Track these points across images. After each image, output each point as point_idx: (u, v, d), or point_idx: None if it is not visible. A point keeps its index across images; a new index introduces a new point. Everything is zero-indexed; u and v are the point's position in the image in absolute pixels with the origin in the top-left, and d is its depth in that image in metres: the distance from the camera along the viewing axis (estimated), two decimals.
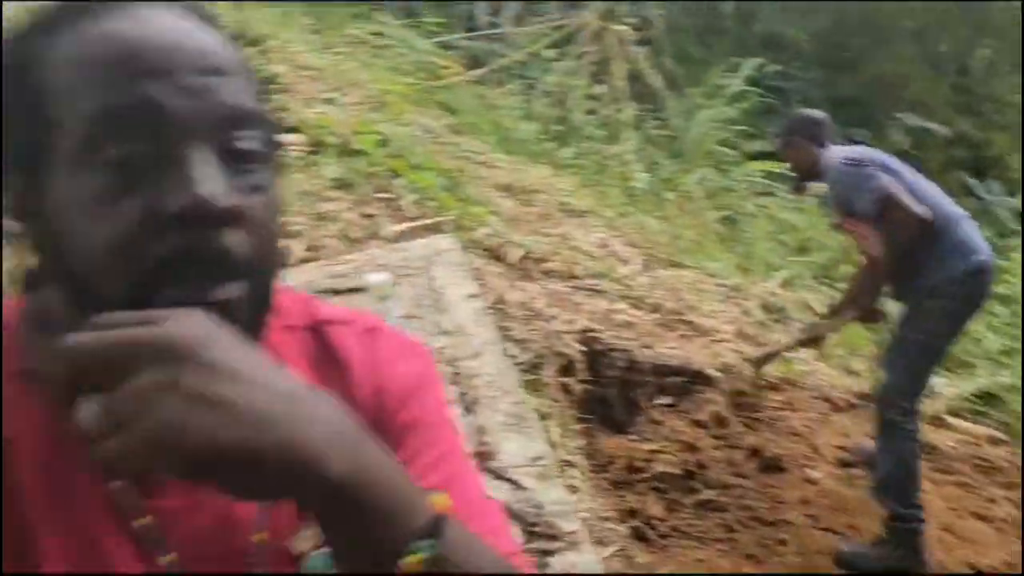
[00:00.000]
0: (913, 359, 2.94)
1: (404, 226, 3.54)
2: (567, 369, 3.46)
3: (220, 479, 0.49)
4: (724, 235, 6.15)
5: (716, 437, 3.42)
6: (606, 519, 2.81)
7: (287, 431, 0.49)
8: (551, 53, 7.32)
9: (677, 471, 3.20)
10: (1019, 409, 4.24)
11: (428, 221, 3.66)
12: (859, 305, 3.22)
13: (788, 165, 3.47)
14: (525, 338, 3.40)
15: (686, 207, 6.11)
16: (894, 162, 3.11)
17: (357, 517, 0.52)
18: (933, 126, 9.30)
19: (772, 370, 3.85)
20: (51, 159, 0.59)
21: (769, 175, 7.12)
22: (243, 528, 0.68)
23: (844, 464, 3.42)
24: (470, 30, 7.78)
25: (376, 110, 4.50)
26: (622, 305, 3.92)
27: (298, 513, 0.69)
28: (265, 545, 0.68)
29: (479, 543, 0.58)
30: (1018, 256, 5.95)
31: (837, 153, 3.16)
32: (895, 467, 2.89)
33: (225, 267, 0.59)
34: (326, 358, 0.75)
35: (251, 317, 0.61)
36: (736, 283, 5.10)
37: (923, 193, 3.02)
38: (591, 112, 6.89)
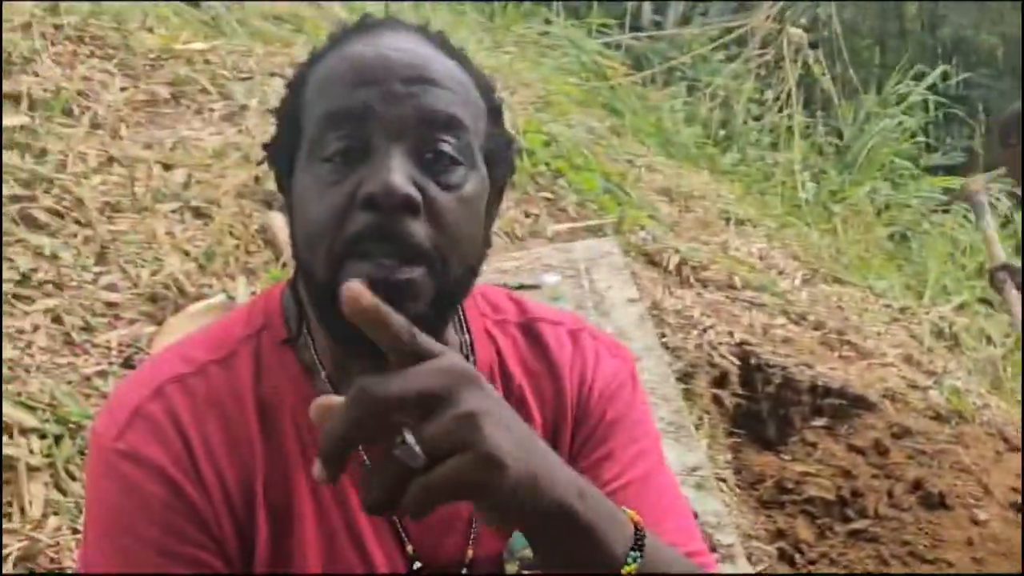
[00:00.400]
0: None
1: (565, 226, 3.59)
2: (720, 381, 3.40)
3: (510, 505, 0.53)
4: (894, 253, 5.84)
5: (875, 465, 3.27)
6: (753, 537, 2.76)
7: (533, 467, 0.54)
8: (719, 55, 7.16)
9: (830, 496, 3.09)
10: None
11: (589, 223, 3.70)
12: None
13: (1002, 171, 3.13)
14: (679, 346, 3.37)
15: (854, 221, 5.84)
16: None
17: (578, 537, 0.58)
18: None
19: (942, 400, 3.64)
20: (297, 157, 0.73)
21: (948, 191, 6.69)
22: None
23: (1016, 507, 3.19)
24: (634, 30, 7.73)
25: (542, 110, 4.57)
26: (781, 320, 3.81)
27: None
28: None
29: (667, 549, 0.64)
30: None
31: None
32: None
33: (405, 251, 0.67)
34: (536, 354, 0.83)
35: (435, 303, 0.69)
36: (905, 305, 4.83)
37: None
38: (757, 118, 6.70)
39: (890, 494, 3.15)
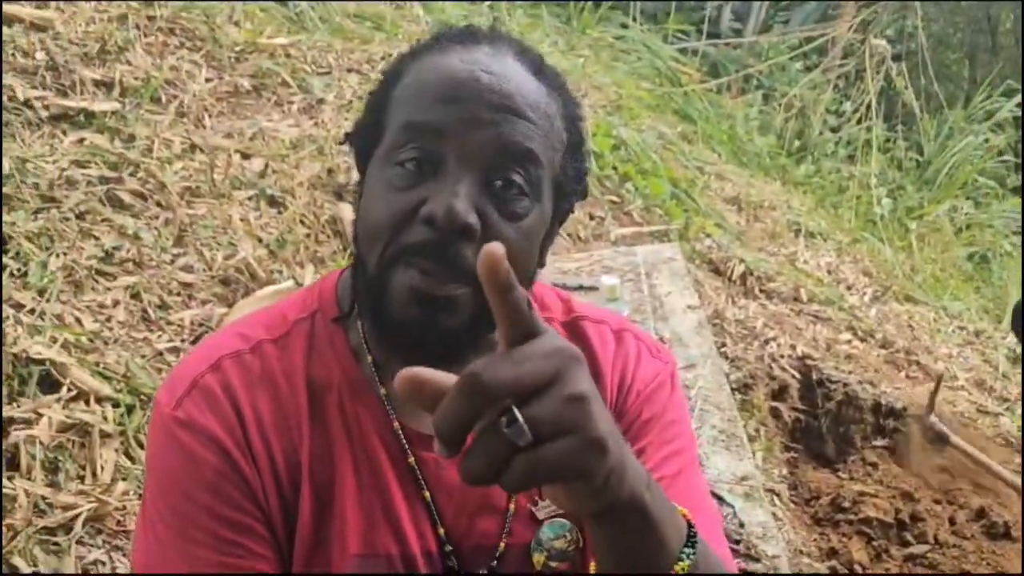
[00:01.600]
0: None
1: (630, 230, 3.58)
2: (779, 394, 3.35)
3: (595, 490, 0.54)
4: (972, 274, 5.64)
5: (937, 490, 3.18)
6: (805, 554, 2.72)
7: (620, 454, 0.55)
8: (798, 64, 7.03)
9: (888, 519, 3.01)
10: None
11: (654, 228, 3.68)
12: None
13: None
14: (739, 356, 3.33)
15: (931, 239, 5.67)
16: None
17: (643, 529, 0.58)
18: None
19: (1013, 428, 3.51)
20: (375, 152, 0.75)
21: None
22: (499, 489, 0.77)
23: None
24: (712, 36, 7.64)
25: (613, 113, 4.57)
26: (847, 335, 3.73)
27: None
28: (517, 508, 0.77)
29: (712, 551, 0.64)
30: None
31: None
32: None
33: (454, 271, 0.69)
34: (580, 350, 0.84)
35: (473, 319, 0.72)
36: (980, 328, 4.68)
37: None
38: (834, 129, 6.55)
39: (952, 521, 3.06)
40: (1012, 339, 4.73)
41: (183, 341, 2.37)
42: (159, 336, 2.34)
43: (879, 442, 3.34)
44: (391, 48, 4.11)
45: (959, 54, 10.19)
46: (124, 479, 1.90)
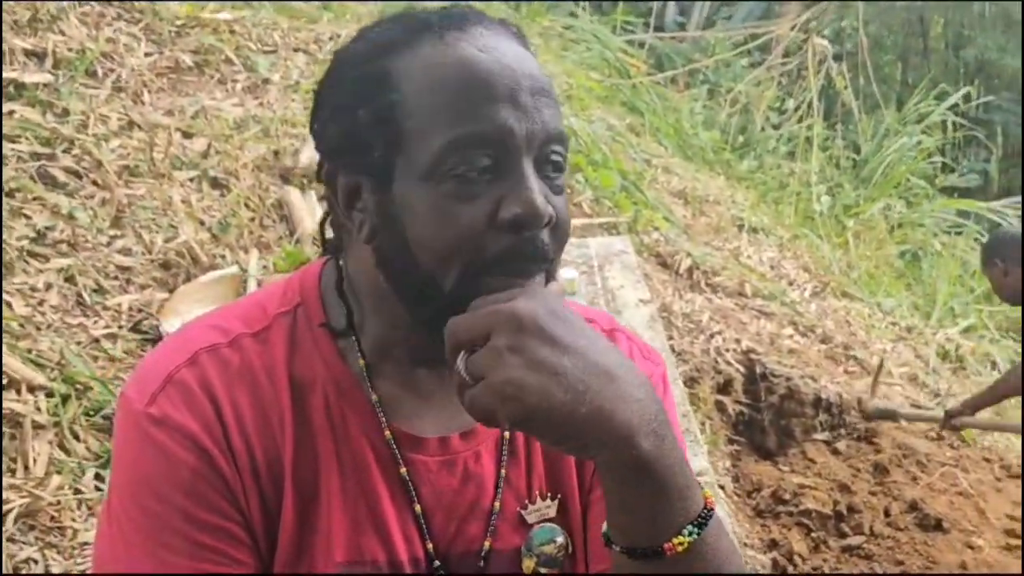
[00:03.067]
0: None
1: (581, 222, 3.58)
2: (724, 387, 3.40)
3: (542, 433, 0.60)
4: (904, 272, 5.82)
5: (874, 483, 3.27)
6: (748, 545, 2.76)
7: (600, 405, 0.59)
8: (742, 61, 7.14)
9: (827, 511, 3.08)
10: None
11: (604, 220, 3.69)
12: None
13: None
14: (685, 350, 3.37)
15: (866, 236, 5.83)
16: None
17: (651, 492, 0.60)
18: None
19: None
20: (404, 171, 0.68)
21: (961, 213, 6.68)
22: (486, 492, 0.75)
23: (1013, 534, 3.19)
24: (657, 29, 7.69)
25: (564, 103, 4.55)
26: (789, 330, 3.81)
27: (537, 486, 0.78)
28: (502, 510, 0.74)
29: (728, 540, 0.64)
30: None
31: None
32: None
33: (539, 261, 0.69)
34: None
35: None
36: (912, 324, 4.83)
37: None
38: (776, 126, 6.68)
39: (887, 512, 3.15)
40: (942, 335, 4.90)
41: (120, 327, 2.27)
42: (95, 322, 2.24)
43: (819, 436, 3.41)
44: (339, 28, 4.01)
45: (892, 56, 10.49)
46: (59, 472, 1.80)
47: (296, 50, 3.69)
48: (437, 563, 0.74)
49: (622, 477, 0.61)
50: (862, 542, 3.01)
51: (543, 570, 0.76)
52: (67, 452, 1.87)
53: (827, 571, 2.89)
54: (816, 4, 7.47)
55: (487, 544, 0.75)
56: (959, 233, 6.46)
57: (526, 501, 0.77)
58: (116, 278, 2.41)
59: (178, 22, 3.47)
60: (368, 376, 0.74)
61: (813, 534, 3.02)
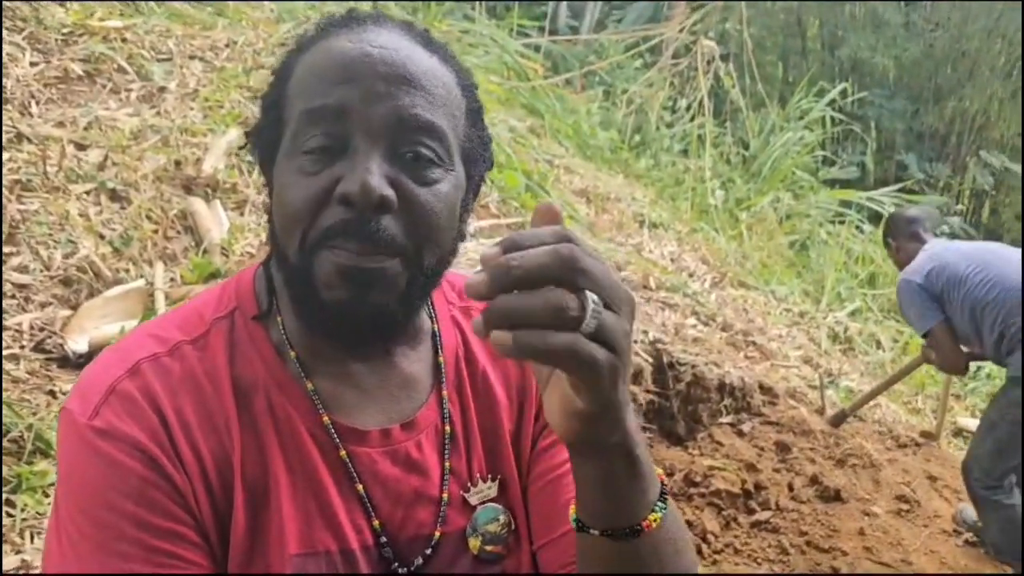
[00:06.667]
0: (1002, 443, 2.99)
1: (488, 223, 3.63)
2: (634, 378, 3.51)
3: (607, 409, 0.56)
4: (794, 260, 6.12)
5: (777, 460, 3.44)
6: None
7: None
8: (635, 63, 7.35)
9: (735, 489, 3.23)
10: None
11: (511, 220, 3.75)
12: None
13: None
14: None
15: (758, 228, 6.10)
16: (970, 261, 3.08)
17: (634, 473, 0.62)
18: (1017, 167, 9.09)
19: (837, 400, 3.85)
20: (279, 148, 0.74)
21: (843, 203, 7.07)
22: (431, 479, 0.78)
23: (904, 500, 3.42)
24: (550, 32, 7.84)
25: None
26: (692, 320, 3.96)
27: (486, 468, 0.81)
28: (449, 497, 0.78)
29: (677, 514, 0.68)
30: None
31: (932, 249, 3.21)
32: (1000, 534, 3.03)
33: (378, 243, 0.69)
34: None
35: (407, 291, 0.72)
36: (804, 310, 5.09)
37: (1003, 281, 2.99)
38: (670, 125, 6.91)
39: (790, 487, 3.33)
40: (831, 319, 5.19)
41: (22, 348, 2.19)
42: None
43: (725, 419, 3.56)
44: (235, 35, 3.93)
45: (773, 56, 10.97)
46: None
47: (192, 57, 3.61)
48: (387, 550, 0.76)
49: (610, 459, 0.60)
50: (769, 516, 3.18)
51: (488, 547, 0.80)
52: None
53: (738, 546, 3.03)
54: (702, 7, 7.77)
55: (437, 533, 0.78)
56: (842, 222, 6.83)
57: (468, 484, 0.80)
58: (14, 297, 2.31)
59: (64, 30, 3.34)
60: (303, 371, 0.76)
61: (724, 512, 3.17)
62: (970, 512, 3.25)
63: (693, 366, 3.60)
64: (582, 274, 0.51)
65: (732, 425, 3.58)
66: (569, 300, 0.51)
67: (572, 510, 0.66)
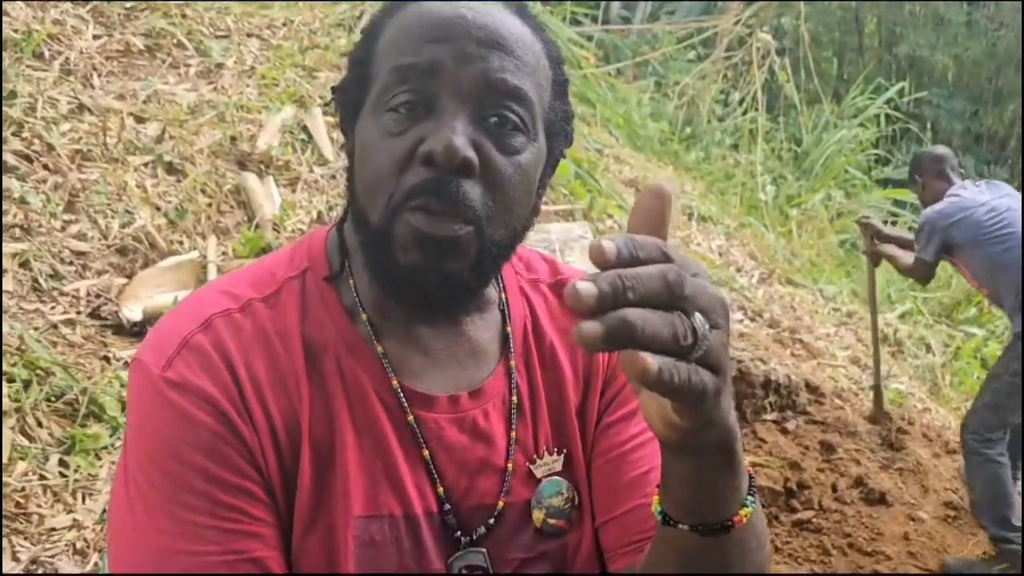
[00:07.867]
0: (1000, 394, 3.02)
1: None
2: None
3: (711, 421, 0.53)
4: (844, 260, 6.01)
5: (821, 460, 3.39)
6: None
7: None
8: (688, 55, 7.26)
9: (778, 487, 3.19)
10: None
11: (560, 207, 3.73)
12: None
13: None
14: None
15: (808, 226, 6.00)
16: (992, 216, 3.12)
17: (730, 467, 0.58)
18: None
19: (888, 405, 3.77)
20: (364, 105, 0.73)
21: (897, 203, 6.92)
22: (497, 449, 0.77)
23: (952, 507, 3.34)
24: (603, 22, 7.77)
25: None
26: (739, 315, 3.91)
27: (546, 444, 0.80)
28: (514, 467, 0.77)
29: (760, 507, 0.66)
30: None
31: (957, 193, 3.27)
32: (983, 491, 3.01)
33: (457, 208, 0.68)
34: (564, 313, 0.84)
35: (478, 260, 0.71)
36: (852, 310, 5.00)
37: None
38: (721, 118, 6.82)
39: (835, 488, 3.27)
40: (881, 320, 5.08)
41: (79, 313, 2.23)
42: (52, 308, 2.19)
43: (769, 416, 3.51)
44: (292, 14, 3.96)
45: (829, 52, 10.77)
46: (23, 459, 1.77)
47: (249, 35, 3.64)
48: (451, 517, 0.75)
49: (708, 457, 0.57)
50: (811, 516, 3.13)
51: (552, 521, 0.79)
52: (30, 438, 1.83)
53: (779, 545, 2.99)
54: (757, 1, 7.64)
55: (501, 503, 0.77)
56: (895, 222, 6.68)
57: (534, 456, 0.79)
58: (72, 263, 2.36)
59: (127, 5, 3.40)
60: (374, 334, 0.76)
61: (765, 510, 3.12)
62: None
63: (739, 361, 3.55)
64: (689, 301, 0.49)
65: (776, 422, 3.53)
66: (687, 329, 0.48)
67: (655, 502, 0.63)
